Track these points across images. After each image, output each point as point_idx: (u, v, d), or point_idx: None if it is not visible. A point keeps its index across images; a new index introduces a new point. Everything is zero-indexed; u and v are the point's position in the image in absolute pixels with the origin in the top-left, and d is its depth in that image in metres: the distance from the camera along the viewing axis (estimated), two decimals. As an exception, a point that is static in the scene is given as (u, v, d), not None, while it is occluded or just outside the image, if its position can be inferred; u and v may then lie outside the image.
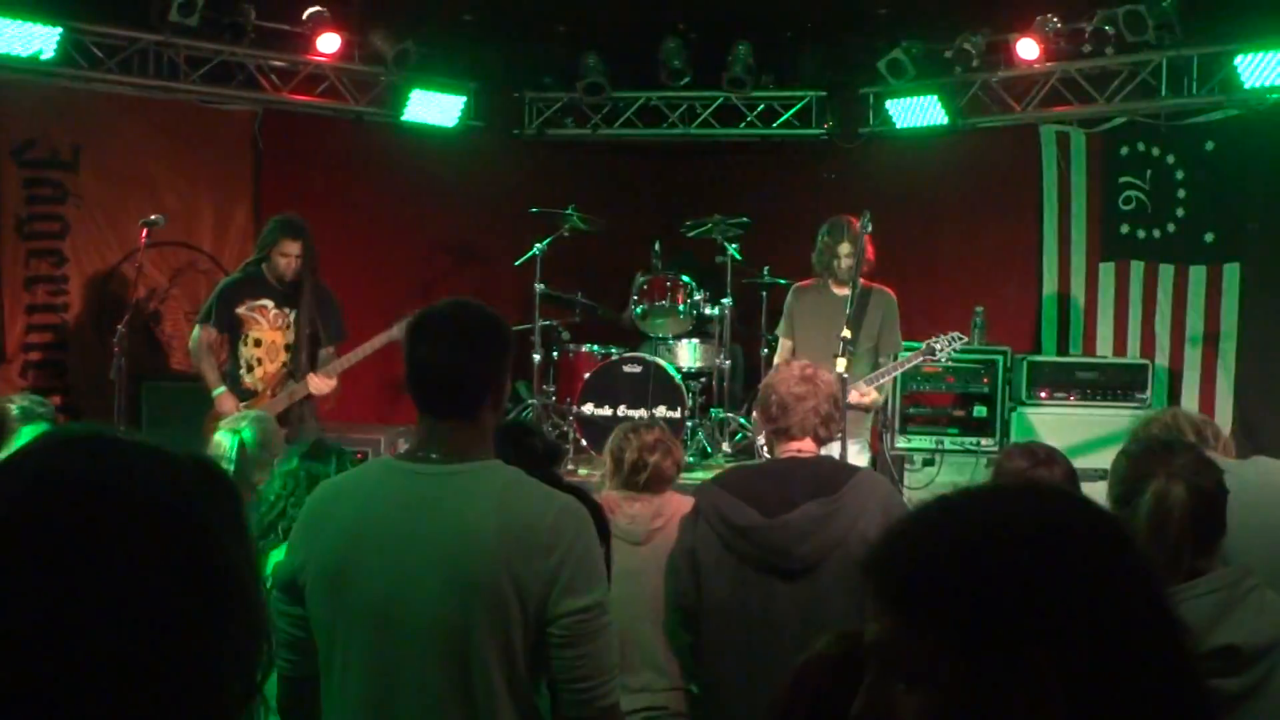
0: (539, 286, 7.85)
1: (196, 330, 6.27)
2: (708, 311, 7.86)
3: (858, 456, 5.70)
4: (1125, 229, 8.04)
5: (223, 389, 6.04)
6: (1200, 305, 7.65)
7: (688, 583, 3.55)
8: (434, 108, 8.54)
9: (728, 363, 7.93)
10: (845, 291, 5.89)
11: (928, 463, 7.22)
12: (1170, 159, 7.81)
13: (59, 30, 7.02)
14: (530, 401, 8.03)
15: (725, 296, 7.84)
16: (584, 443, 7.43)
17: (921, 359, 6.03)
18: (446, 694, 2.33)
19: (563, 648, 2.34)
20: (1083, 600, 1.03)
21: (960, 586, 1.04)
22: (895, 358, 6.10)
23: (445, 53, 8.63)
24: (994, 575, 1.04)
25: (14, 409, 4.40)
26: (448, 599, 2.32)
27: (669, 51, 8.82)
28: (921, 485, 7.05)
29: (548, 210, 8.02)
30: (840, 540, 3.34)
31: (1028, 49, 7.87)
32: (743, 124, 9.34)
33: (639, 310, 7.87)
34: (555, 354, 8.18)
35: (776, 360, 6.32)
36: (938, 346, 6.03)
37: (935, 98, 8.22)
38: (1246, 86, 7.03)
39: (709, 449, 7.76)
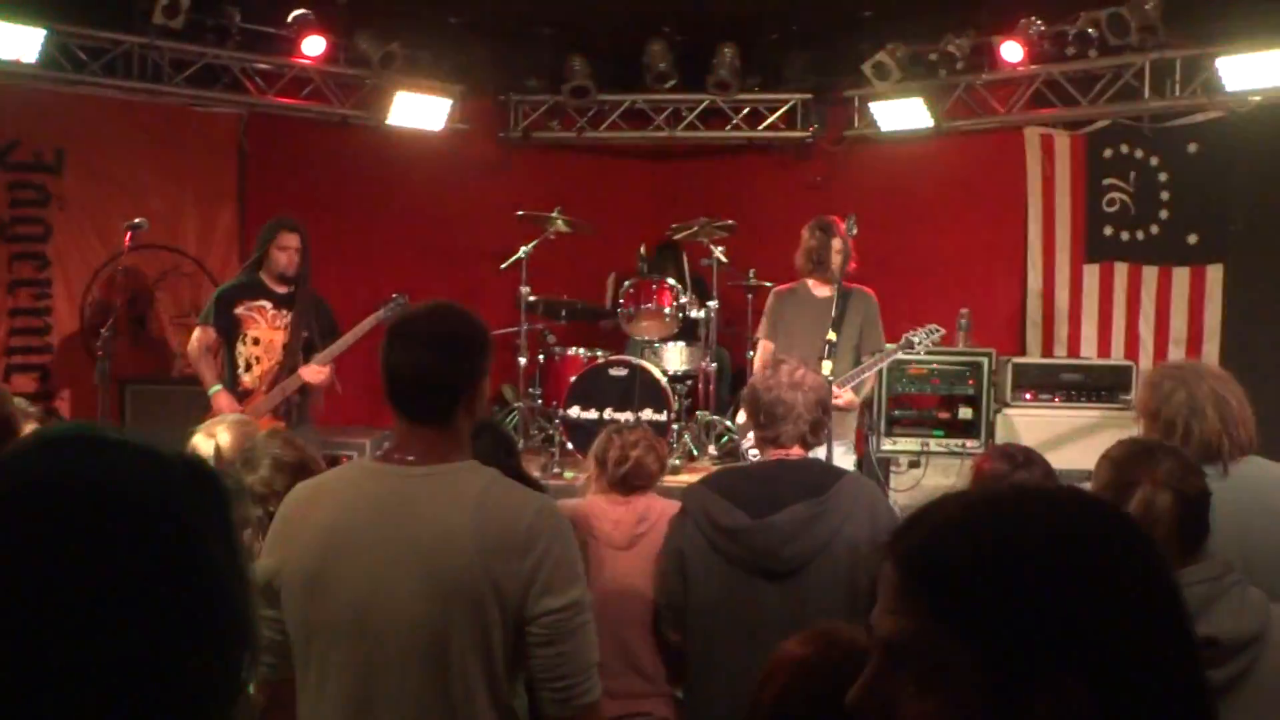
0: (524, 290, 7.84)
1: (196, 332, 6.31)
2: (694, 314, 7.85)
3: (843, 458, 5.69)
4: (1109, 231, 8.08)
5: (219, 387, 6.09)
6: (1184, 307, 7.69)
7: (675, 584, 3.56)
8: (420, 111, 8.51)
9: (714, 365, 7.92)
10: (827, 293, 5.86)
11: (913, 465, 7.21)
12: (1154, 161, 7.85)
13: (43, 32, 6.99)
14: (516, 405, 8.02)
15: (711, 299, 7.84)
16: (570, 445, 7.41)
17: (899, 352, 6.03)
18: (425, 695, 2.33)
19: (542, 647, 2.34)
20: (1125, 630, 1.02)
21: (1007, 602, 1.01)
22: None
23: (431, 56, 8.62)
24: (1042, 594, 1.01)
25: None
26: (425, 601, 2.31)
27: (655, 54, 8.84)
28: (907, 488, 7.05)
29: (534, 213, 8.01)
30: (827, 542, 3.35)
31: (1012, 52, 7.91)
32: (728, 127, 9.37)
33: (625, 313, 7.86)
34: (541, 357, 8.17)
35: (757, 364, 6.31)
36: (915, 340, 6.02)
37: (920, 100, 8.24)
38: (1229, 89, 7.07)
39: (695, 452, 7.75)
